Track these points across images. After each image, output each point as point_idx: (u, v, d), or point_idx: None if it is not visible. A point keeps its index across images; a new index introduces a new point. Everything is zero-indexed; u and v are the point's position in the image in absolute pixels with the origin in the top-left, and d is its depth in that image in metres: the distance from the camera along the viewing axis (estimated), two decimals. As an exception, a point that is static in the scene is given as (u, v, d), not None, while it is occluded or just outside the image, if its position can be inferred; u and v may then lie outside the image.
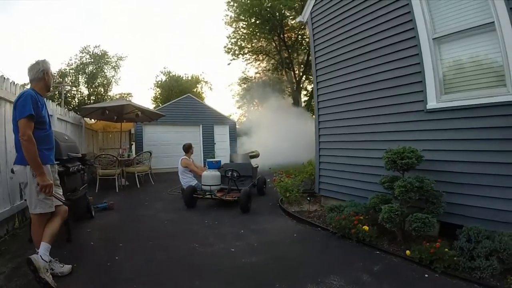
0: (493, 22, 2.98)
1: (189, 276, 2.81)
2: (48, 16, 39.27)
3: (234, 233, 4.12)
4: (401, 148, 3.33)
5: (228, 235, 4.01)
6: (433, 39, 3.52)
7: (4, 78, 4.22)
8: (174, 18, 54.00)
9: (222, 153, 13.43)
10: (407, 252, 2.96)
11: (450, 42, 3.44)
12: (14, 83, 4.36)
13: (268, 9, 15.00)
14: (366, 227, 3.42)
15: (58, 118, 6.47)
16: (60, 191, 2.93)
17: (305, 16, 5.47)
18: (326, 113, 5.18)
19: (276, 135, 12.88)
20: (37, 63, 2.70)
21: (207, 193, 5.64)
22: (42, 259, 2.42)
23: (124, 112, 8.66)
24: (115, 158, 7.81)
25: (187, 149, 6.52)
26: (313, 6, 5.25)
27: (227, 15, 16.97)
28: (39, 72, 2.67)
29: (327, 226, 4.03)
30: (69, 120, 7.43)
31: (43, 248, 2.49)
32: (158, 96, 26.39)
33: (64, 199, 2.91)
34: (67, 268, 2.73)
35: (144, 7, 49.17)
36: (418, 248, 2.85)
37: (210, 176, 5.64)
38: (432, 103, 3.55)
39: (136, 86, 58.43)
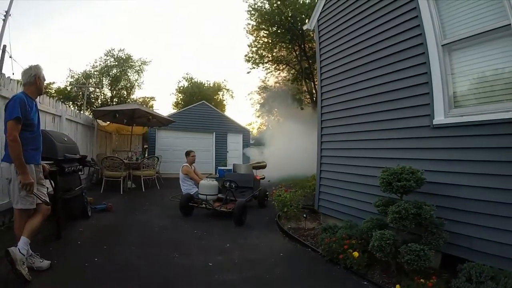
0: (510, 24, 2.59)
1: (156, 286, 2.74)
2: (53, 18, 42.00)
3: (219, 246, 3.93)
4: (400, 168, 2.96)
5: (212, 248, 3.84)
6: (442, 45, 3.15)
7: (11, 79, 4.35)
8: (196, 22, 55.66)
9: (235, 162, 13.29)
10: (397, 286, 2.57)
11: (462, 49, 3.06)
12: (20, 83, 4.47)
13: (289, 18, 14.87)
14: (356, 253, 3.05)
15: (67, 118, 6.60)
16: (44, 190, 2.98)
17: (312, 23, 5.24)
18: (329, 126, 4.87)
19: (293, 146, 12.57)
20: (30, 68, 2.85)
21: (203, 202, 5.47)
22: (20, 252, 2.51)
23: (135, 116, 8.78)
24: (121, 160, 7.87)
25: (186, 155, 6.45)
26: (320, 13, 5.01)
27: (249, 24, 17.04)
28: (31, 76, 2.81)
29: (318, 248, 3.70)
30: (79, 121, 7.58)
31: (22, 242, 2.59)
32: (180, 102, 26.79)
33: (47, 198, 2.97)
34: (45, 263, 2.79)
35: (167, 12, 51.39)
36: (408, 285, 2.47)
37: (207, 186, 5.48)
38: (439, 118, 3.15)
39: (159, 90, 60.48)
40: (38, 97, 4.43)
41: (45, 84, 4.56)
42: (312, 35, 16.84)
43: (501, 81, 2.78)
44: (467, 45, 2.99)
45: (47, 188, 3.25)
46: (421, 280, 2.50)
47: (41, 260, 2.79)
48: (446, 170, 3.07)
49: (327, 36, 4.89)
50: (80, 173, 4.88)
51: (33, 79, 2.82)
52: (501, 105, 2.72)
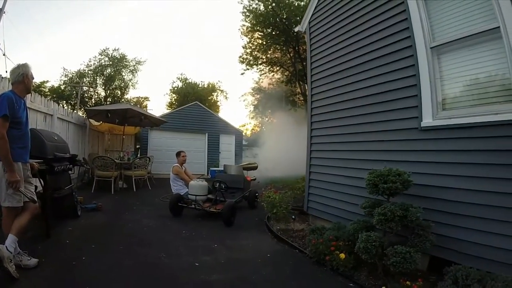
0: (499, 27, 2.60)
1: (142, 286, 2.74)
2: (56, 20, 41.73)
3: (207, 246, 3.90)
4: (386, 171, 2.96)
5: (200, 249, 3.80)
6: (431, 48, 3.16)
7: (2, 77, 4.29)
8: (194, 22, 55.65)
9: (227, 163, 13.24)
10: (383, 288, 2.57)
11: (450, 52, 3.08)
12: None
13: (284, 20, 14.90)
14: (342, 255, 3.04)
15: (58, 118, 6.49)
16: (31, 188, 3.00)
17: (303, 26, 5.24)
18: (318, 128, 4.88)
19: (285, 147, 12.59)
20: (18, 67, 2.87)
21: (192, 203, 5.43)
22: (7, 249, 2.52)
23: (128, 116, 8.69)
24: (113, 160, 7.78)
25: (177, 156, 6.41)
26: (311, 15, 5.02)
27: (243, 25, 17.04)
28: (19, 75, 2.83)
29: (306, 249, 3.68)
30: (71, 121, 7.46)
31: (10, 240, 2.61)
32: (174, 102, 26.59)
33: (34, 196, 2.98)
34: (33, 261, 2.80)
35: (165, 13, 51.35)
36: (394, 287, 2.46)
37: (197, 186, 5.44)
38: (427, 120, 3.16)
39: (153, 90, 60.17)
40: (29, 95, 4.36)
41: (38, 83, 4.53)
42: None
43: (490, 84, 2.79)
44: (456, 47, 3.01)
45: (36, 186, 3.24)
46: (407, 282, 2.49)
47: (29, 258, 2.80)
48: (434, 173, 3.08)
49: (318, 38, 4.90)
50: (70, 172, 4.81)
51: (21, 77, 2.83)
52: (490, 107, 2.73)
